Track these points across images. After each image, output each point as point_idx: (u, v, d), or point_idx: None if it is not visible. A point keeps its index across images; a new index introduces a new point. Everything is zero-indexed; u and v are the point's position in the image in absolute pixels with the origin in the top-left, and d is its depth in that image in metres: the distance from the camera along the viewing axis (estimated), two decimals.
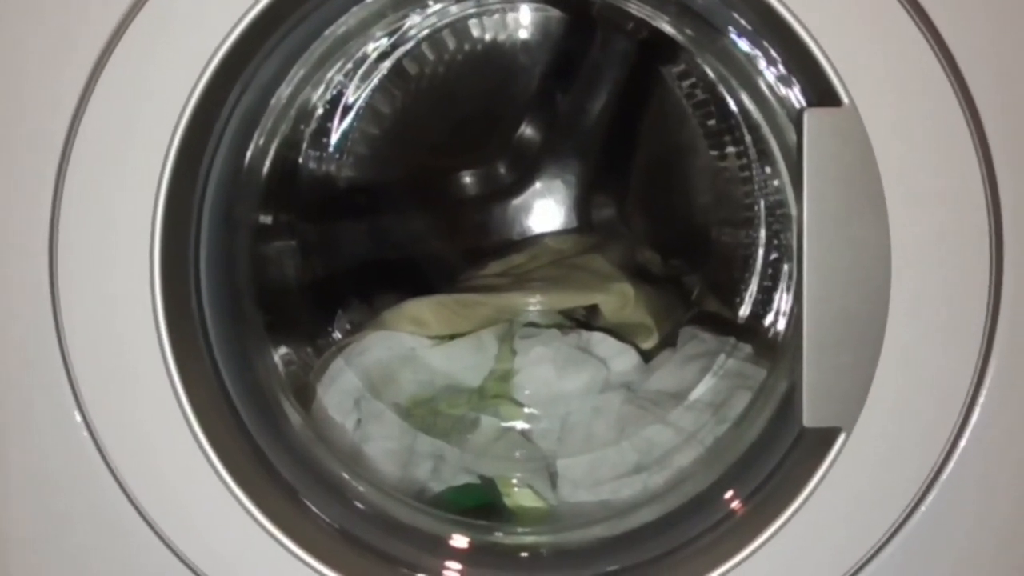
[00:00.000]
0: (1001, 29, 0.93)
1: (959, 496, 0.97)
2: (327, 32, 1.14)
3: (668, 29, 1.24)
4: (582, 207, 1.53)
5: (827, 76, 0.92)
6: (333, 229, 1.49)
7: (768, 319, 1.37)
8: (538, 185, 1.52)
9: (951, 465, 0.96)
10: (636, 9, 1.26)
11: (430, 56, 1.49)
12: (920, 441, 0.95)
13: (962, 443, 0.96)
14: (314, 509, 1.05)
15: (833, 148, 0.92)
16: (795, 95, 1.01)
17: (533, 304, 1.35)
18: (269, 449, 1.05)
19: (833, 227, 0.93)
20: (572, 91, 1.48)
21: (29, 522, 1.00)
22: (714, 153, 1.50)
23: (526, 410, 1.30)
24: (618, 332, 1.32)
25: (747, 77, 1.11)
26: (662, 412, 1.26)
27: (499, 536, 1.19)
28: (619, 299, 1.34)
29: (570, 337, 1.31)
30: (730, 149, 1.48)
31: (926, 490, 0.96)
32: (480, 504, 1.23)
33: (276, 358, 1.23)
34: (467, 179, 1.55)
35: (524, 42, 1.51)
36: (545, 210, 1.53)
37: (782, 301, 1.35)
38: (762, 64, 1.06)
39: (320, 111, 1.43)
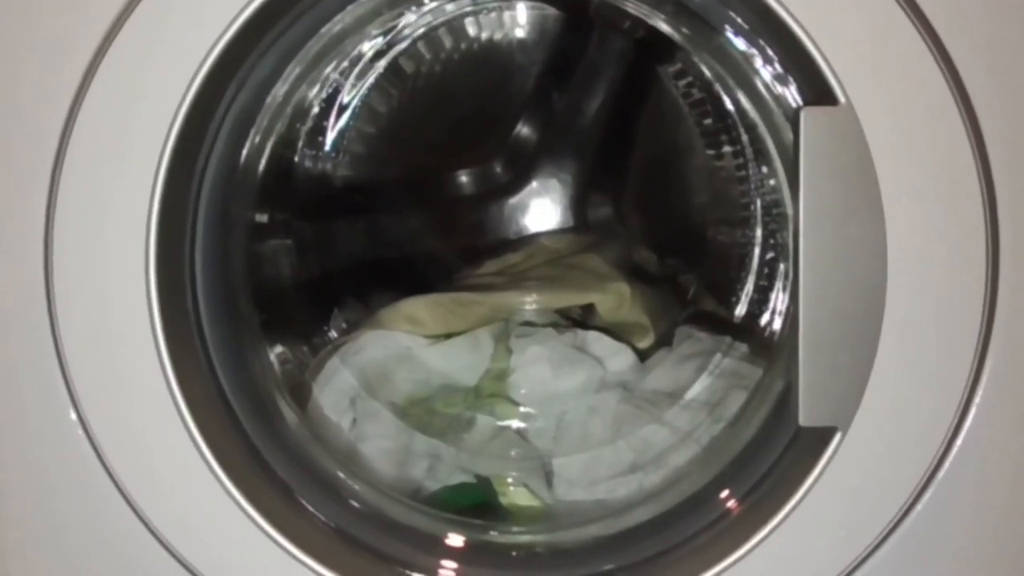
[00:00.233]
0: (998, 28, 0.94)
1: (955, 496, 0.97)
2: (323, 30, 1.14)
3: (665, 28, 1.24)
4: (578, 206, 1.53)
5: (824, 75, 0.92)
6: (329, 228, 1.49)
7: (764, 318, 1.37)
8: (534, 184, 1.52)
9: (947, 464, 0.97)
10: (633, 8, 1.26)
11: (426, 55, 1.49)
12: (916, 441, 0.95)
13: (958, 443, 0.96)
14: (310, 508, 1.05)
15: (830, 147, 0.92)
16: (792, 94, 1.01)
17: (529, 303, 1.35)
18: (265, 448, 1.05)
19: (829, 226, 0.93)
20: (568, 90, 1.48)
21: (24, 521, 0.99)
22: (710, 152, 1.50)
23: (522, 409, 1.30)
24: (614, 331, 1.32)
25: (743, 76, 1.11)
26: (658, 411, 1.26)
27: (495, 535, 1.19)
28: (615, 298, 1.34)
29: (566, 336, 1.31)
30: (726, 148, 1.48)
31: (922, 490, 0.96)
32: (476, 503, 1.22)
33: (272, 357, 1.23)
34: (463, 178, 1.55)
35: (520, 41, 1.51)
36: (541, 209, 1.53)
37: (778, 300, 1.35)
38: (759, 63, 1.06)
39: (316, 109, 1.43)
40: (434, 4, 1.40)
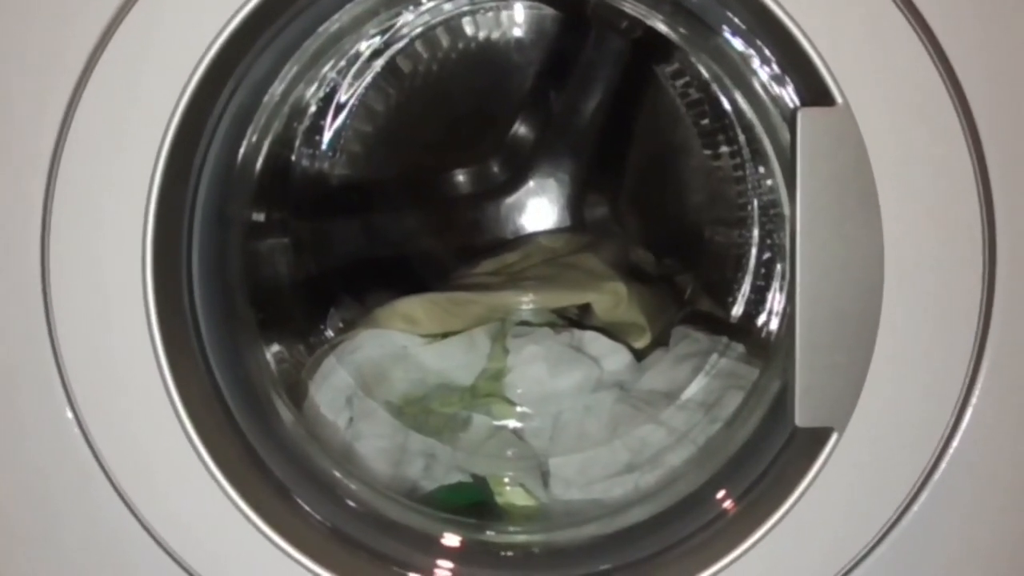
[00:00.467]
0: (995, 29, 0.93)
1: (951, 497, 0.97)
2: (320, 29, 1.13)
3: (662, 28, 1.24)
4: (575, 206, 1.53)
5: (821, 75, 0.91)
6: (326, 227, 1.49)
7: (761, 319, 1.37)
8: (531, 184, 1.52)
9: (943, 465, 0.96)
10: (630, 8, 1.26)
11: (423, 54, 1.49)
12: (912, 441, 0.95)
13: (954, 443, 0.96)
14: (306, 507, 1.05)
15: (827, 148, 0.92)
16: (789, 94, 1.00)
17: (526, 303, 1.35)
18: (261, 447, 1.05)
19: (826, 227, 0.93)
20: (566, 89, 1.48)
21: (20, 519, 0.99)
22: (708, 152, 1.50)
23: (518, 409, 1.30)
24: (611, 331, 1.32)
25: (741, 76, 1.11)
26: (654, 411, 1.26)
27: (491, 535, 1.19)
28: (612, 298, 1.34)
29: (563, 336, 1.31)
30: (724, 148, 1.48)
31: (918, 490, 0.96)
32: (472, 503, 1.22)
33: (268, 355, 1.23)
34: (460, 177, 1.55)
35: (518, 40, 1.51)
36: (538, 209, 1.53)
37: (775, 301, 1.35)
38: (756, 63, 1.06)
39: (313, 108, 1.43)
40: (432, 3, 1.40)
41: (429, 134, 1.55)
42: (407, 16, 1.41)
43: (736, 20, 1.03)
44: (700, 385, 1.27)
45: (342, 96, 1.46)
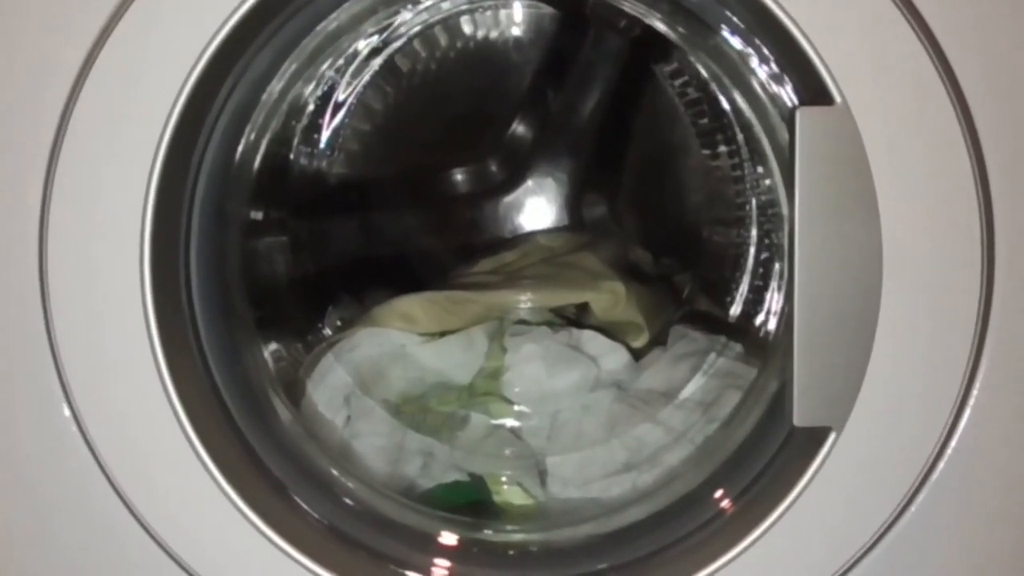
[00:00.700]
0: (994, 28, 0.93)
1: (949, 497, 0.97)
2: (319, 27, 1.13)
3: (661, 27, 1.24)
4: (573, 205, 1.53)
5: (820, 75, 0.91)
6: (324, 225, 1.49)
7: (759, 318, 1.37)
8: (530, 183, 1.53)
9: (941, 465, 0.97)
10: (629, 7, 1.26)
11: (422, 53, 1.49)
12: (911, 441, 0.95)
13: (952, 443, 0.96)
14: (303, 505, 1.05)
15: (825, 147, 0.92)
16: (787, 94, 1.00)
17: (524, 302, 1.35)
18: (258, 445, 1.05)
19: (825, 226, 0.93)
20: (564, 89, 1.48)
21: (17, 516, 0.99)
22: (706, 152, 1.50)
23: (516, 408, 1.30)
24: (609, 330, 1.32)
25: (739, 75, 1.11)
26: (652, 411, 1.26)
27: (488, 534, 1.19)
28: (610, 297, 1.34)
29: (560, 335, 1.31)
30: (722, 148, 1.48)
31: (916, 490, 0.96)
32: (469, 501, 1.22)
33: (266, 354, 1.23)
34: (459, 176, 1.55)
35: (516, 39, 1.51)
36: (536, 208, 1.53)
37: (773, 300, 1.35)
38: (754, 62, 1.06)
39: (312, 107, 1.43)
40: (430, 2, 1.40)
41: (427, 133, 1.55)
42: (405, 15, 1.41)
43: (735, 19, 1.03)
44: (698, 384, 1.27)
45: (340, 94, 1.46)
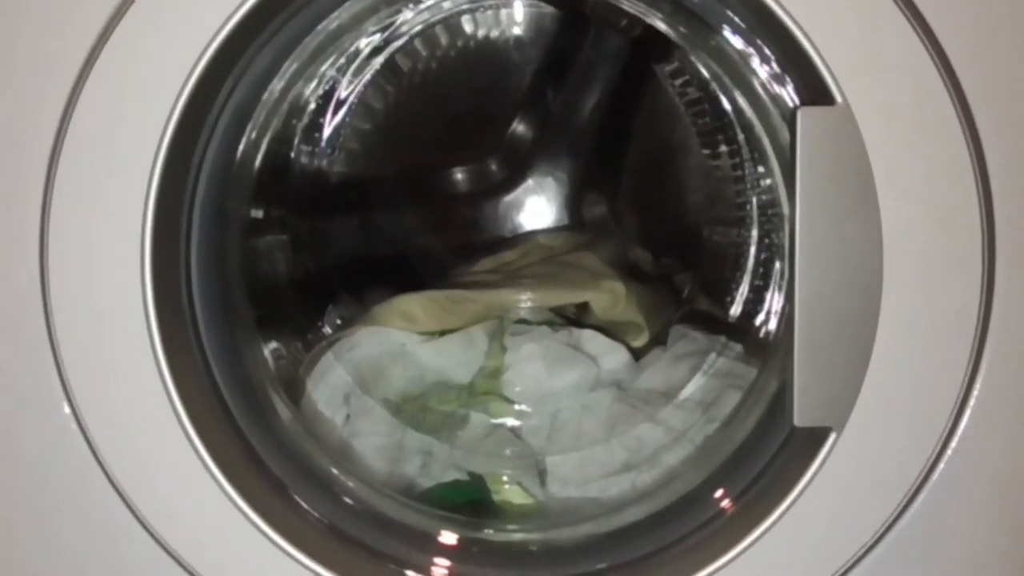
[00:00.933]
0: (995, 28, 0.93)
1: (949, 497, 0.97)
2: (320, 26, 1.13)
3: (662, 26, 1.24)
4: (574, 204, 1.53)
5: (821, 75, 0.91)
6: (325, 224, 1.49)
7: (759, 318, 1.37)
8: (530, 182, 1.53)
9: (942, 466, 0.96)
10: (630, 6, 1.26)
11: (423, 52, 1.49)
12: (911, 442, 0.95)
13: (953, 444, 0.96)
14: (303, 504, 1.05)
15: (826, 147, 0.92)
16: (788, 94, 1.00)
17: (524, 301, 1.35)
18: (258, 444, 1.05)
19: (825, 226, 0.92)
20: (565, 88, 1.48)
21: (17, 514, 0.99)
22: (706, 152, 1.50)
23: (516, 407, 1.30)
24: (609, 330, 1.32)
25: (740, 75, 1.11)
26: (652, 410, 1.26)
27: (488, 533, 1.19)
28: (610, 297, 1.34)
29: (560, 334, 1.31)
30: (723, 148, 1.48)
31: (916, 491, 0.96)
32: (469, 501, 1.22)
33: (266, 352, 1.23)
34: (459, 175, 1.55)
35: (517, 38, 1.51)
36: (537, 207, 1.53)
37: (773, 300, 1.35)
38: (755, 62, 1.06)
39: (312, 106, 1.43)
40: (431, 1, 1.40)
41: (428, 132, 1.55)
42: (406, 14, 1.41)
43: (736, 19, 1.03)
44: (698, 384, 1.27)
45: (341, 93, 1.46)
